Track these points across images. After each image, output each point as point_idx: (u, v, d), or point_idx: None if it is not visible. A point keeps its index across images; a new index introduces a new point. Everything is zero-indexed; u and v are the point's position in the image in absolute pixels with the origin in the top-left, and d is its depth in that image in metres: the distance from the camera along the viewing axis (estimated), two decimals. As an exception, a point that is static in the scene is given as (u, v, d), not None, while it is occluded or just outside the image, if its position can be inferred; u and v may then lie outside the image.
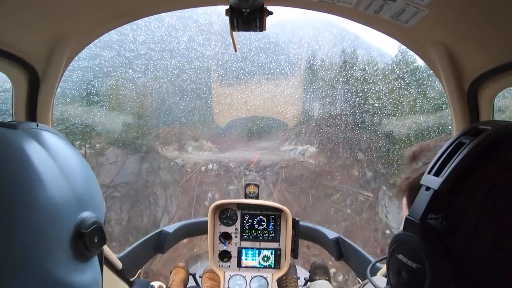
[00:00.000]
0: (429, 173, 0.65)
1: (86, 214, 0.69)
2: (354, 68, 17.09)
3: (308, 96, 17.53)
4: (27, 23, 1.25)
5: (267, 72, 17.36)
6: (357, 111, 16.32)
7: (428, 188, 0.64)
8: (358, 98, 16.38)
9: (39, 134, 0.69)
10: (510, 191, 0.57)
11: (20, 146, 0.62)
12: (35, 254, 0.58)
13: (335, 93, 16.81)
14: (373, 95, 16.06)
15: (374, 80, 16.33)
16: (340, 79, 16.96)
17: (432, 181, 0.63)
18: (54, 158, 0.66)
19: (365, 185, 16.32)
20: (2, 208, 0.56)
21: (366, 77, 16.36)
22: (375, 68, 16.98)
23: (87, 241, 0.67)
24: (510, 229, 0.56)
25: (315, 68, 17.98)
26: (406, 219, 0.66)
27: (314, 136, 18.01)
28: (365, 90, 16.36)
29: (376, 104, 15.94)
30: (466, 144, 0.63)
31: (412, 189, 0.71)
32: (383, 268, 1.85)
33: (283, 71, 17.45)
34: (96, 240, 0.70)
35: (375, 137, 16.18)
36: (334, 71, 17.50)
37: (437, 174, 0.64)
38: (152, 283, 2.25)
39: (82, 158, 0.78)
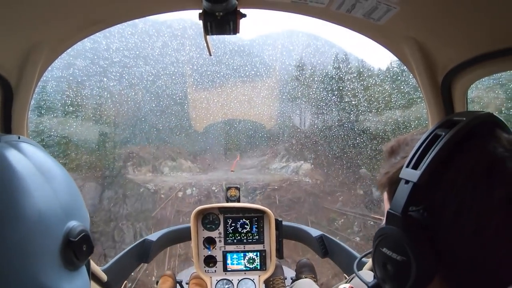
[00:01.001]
0: (407, 166, 0.67)
1: (73, 223, 0.69)
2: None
3: (288, 99, 17.01)
4: None
5: (242, 75, 16.79)
6: (351, 114, 15.40)
7: (407, 182, 0.65)
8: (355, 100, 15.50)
9: (21, 146, 0.69)
10: (487, 177, 0.59)
11: (5, 158, 0.62)
12: (24, 264, 0.58)
13: (320, 96, 16.19)
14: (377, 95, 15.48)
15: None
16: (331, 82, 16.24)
17: (411, 174, 0.65)
18: (39, 170, 0.67)
19: (373, 206, 14.06)
20: None
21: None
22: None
23: (76, 249, 0.67)
24: (490, 214, 0.58)
25: (298, 71, 17.37)
26: (388, 212, 0.68)
27: (307, 150, 16.57)
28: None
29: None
30: (442, 136, 0.64)
31: (392, 184, 0.73)
32: (369, 262, 1.87)
33: (258, 73, 16.96)
34: (84, 248, 0.70)
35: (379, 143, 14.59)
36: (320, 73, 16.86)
37: (415, 167, 0.65)
38: None
39: (64, 169, 0.78)
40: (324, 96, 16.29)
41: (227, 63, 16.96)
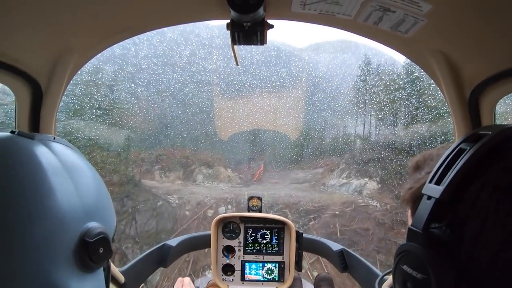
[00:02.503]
0: (430, 182, 0.66)
1: (92, 224, 0.70)
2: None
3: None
4: (30, 37, 1.27)
5: (275, 84, 15.58)
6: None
7: (429, 197, 0.64)
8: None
9: (53, 145, 0.72)
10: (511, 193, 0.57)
11: (35, 156, 0.65)
12: (38, 260, 0.59)
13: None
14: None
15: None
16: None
17: (433, 190, 0.64)
18: (66, 169, 0.69)
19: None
20: (12, 212, 0.57)
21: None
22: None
23: (91, 251, 0.68)
24: None
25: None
26: (409, 229, 0.67)
27: (372, 164, 14.03)
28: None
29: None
30: (467, 151, 0.63)
31: (415, 199, 0.72)
32: (389, 279, 1.83)
33: (287, 83, 16.23)
34: (101, 251, 0.70)
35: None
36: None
37: (438, 182, 0.64)
38: None
39: (95, 172, 0.80)
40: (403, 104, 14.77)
41: (254, 73, 16.53)
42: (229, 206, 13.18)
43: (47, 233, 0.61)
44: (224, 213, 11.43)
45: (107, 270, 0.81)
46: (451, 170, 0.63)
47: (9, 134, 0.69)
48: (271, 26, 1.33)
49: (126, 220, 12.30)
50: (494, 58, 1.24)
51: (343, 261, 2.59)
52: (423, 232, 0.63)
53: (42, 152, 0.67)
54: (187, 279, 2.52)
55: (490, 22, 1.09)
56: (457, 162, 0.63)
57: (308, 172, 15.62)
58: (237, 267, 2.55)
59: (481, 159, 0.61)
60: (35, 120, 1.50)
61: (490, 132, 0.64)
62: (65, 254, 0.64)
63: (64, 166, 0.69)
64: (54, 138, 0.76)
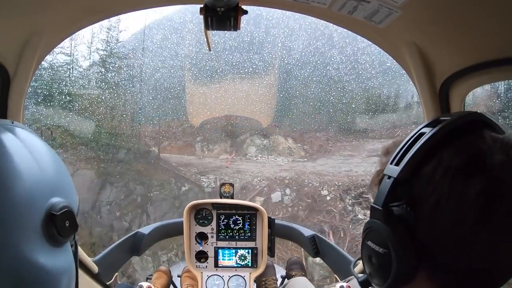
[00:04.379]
0: (391, 163, 0.69)
1: (57, 199, 0.72)
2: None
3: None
4: None
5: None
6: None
7: (389, 177, 0.68)
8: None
9: (14, 129, 0.75)
10: (465, 172, 0.60)
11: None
12: (7, 234, 0.61)
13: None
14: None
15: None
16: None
17: (392, 170, 0.68)
18: (29, 150, 0.71)
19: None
20: None
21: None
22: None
23: (58, 224, 0.69)
24: (466, 208, 0.59)
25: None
26: (371, 206, 0.71)
27: None
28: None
29: None
30: (425, 134, 0.67)
31: (381, 181, 0.74)
32: (360, 265, 1.88)
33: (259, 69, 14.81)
34: (67, 224, 0.72)
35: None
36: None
37: (397, 163, 0.68)
38: (141, 283, 2.21)
39: (53, 151, 0.83)
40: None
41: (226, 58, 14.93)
42: (287, 191, 10.03)
43: (15, 209, 0.62)
44: (279, 199, 10.10)
45: (75, 247, 0.83)
46: (410, 152, 0.66)
47: None
48: (245, 12, 1.31)
49: (133, 215, 9.38)
50: (465, 52, 1.27)
51: (315, 246, 2.64)
52: (382, 209, 0.67)
53: (3, 135, 0.69)
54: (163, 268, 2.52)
55: (463, 17, 1.11)
56: (416, 144, 0.66)
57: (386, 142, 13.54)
58: (211, 253, 2.56)
59: (437, 142, 0.65)
60: (3, 106, 1.44)
61: (449, 118, 0.67)
62: (33, 228, 0.66)
63: (27, 147, 0.71)
64: (13, 122, 0.78)
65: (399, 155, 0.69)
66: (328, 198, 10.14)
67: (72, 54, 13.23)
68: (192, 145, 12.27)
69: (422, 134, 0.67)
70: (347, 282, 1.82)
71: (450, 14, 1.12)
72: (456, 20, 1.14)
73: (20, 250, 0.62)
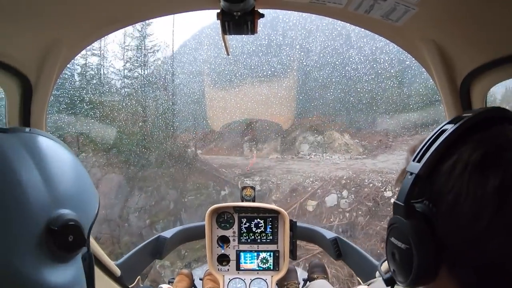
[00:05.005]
0: (413, 160, 0.70)
1: (63, 211, 0.69)
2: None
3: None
4: (18, 30, 1.25)
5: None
6: None
7: (411, 174, 0.68)
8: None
9: (26, 137, 0.73)
10: (482, 166, 0.60)
11: (3, 149, 0.65)
12: (4, 249, 0.60)
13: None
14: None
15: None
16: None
17: (414, 167, 0.68)
18: (34, 159, 0.69)
19: None
20: None
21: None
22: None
23: (58, 238, 0.67)
24: (484, 203, 0.58)
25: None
26: (394, 203, 0.71)
27: None
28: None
29: None
30: (447, 131, 0.67)
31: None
32: (383, 266, 1.86)
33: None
34: (70, 239, 0.69)
35: None
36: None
37: (419, 160, 0.68)
38: (161, 286, 2.25)
39: (75, 161, 0.80)
40: None
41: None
42: (344, 193, 8.70)
43: (7, 221, 0.61)
44: (334, 204, 8.67)
45: (89, 260, 0.79)
46: (431, 148, 0.67)
47: None
48: (262, 15, 1.32)
49: (164, 223, 8.52)
50: (486, 47, 1.25)
51: (337, 248, 2.63)
52: (404, 205, 0.68)
53: (9, 144, 0.67)
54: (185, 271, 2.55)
55: (481, 11, 1.09)
56: (437, 141, 0.67)
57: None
58: (232, 256, 2.57)
59: (457, 138, 0.65)
60: (26, 115, 1.49)
61: (471, 114, 0.67)
62: (29, 242, 0.63)
63: (32, 156, 0.69)
64: (30, 129, 0.76)
65: (421, 152, 0.69)
66: (392, 200, 9.41)
67: (102, 55, 13.60)
68: (240, 145, 11.57)
69: (443, 131, 0.67)
70: (368, 285, 1.80)
71: (467, 9, 1.11)
72: (474, 15, 1.12)
73: (13, 264, 0.60)
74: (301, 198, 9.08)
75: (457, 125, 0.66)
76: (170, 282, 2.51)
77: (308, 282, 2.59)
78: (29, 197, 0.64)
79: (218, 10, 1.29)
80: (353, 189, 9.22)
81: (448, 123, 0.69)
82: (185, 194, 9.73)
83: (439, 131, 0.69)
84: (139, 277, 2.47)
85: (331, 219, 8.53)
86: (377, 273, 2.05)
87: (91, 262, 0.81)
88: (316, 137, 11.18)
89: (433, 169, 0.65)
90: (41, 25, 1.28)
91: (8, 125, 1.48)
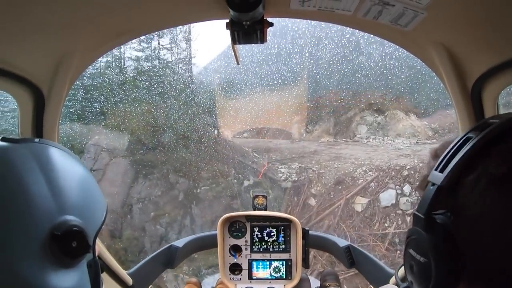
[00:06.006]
0: (436, 169, 0.67)
1: (68, 218, 0.71)
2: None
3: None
4: (30, 43, 1.28)
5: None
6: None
7: (433, 184, 0.66)
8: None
9: (35, 147, 0.76)
10: (508, 181, 0.58)
11: (10, 157, 0.69)
12: (7, 254, 0.62)
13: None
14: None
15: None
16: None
17: (437, 177, 0.66)
18: (41, 168, 0.72)
19: None
20: None
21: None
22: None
23: (61, 244, 0.68)
24: (510, 221, 0.57)
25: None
26: (414, 214, 0.69)
27: None
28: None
29: None
30: (472, 139, 0.64)
31: (425, 186, 0.73)
32: (400, 272, 1.84)
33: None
34: (74, 245, 0.70)
35: None
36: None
37: (442, 170, 0.66)
38: None
39: (82, 170, 0.83)
40: None
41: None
42: (406, 188, 7.00)
43: (11, 226, 0.63)
44: (391, 203, 7.14)
45: (95, 267, 0.80)
46: (454, 158, 0.64)
47: None
48: (271, 24, 1.33)
49: (171, 218, 7.14)
50: (496, 49, 1.24)
51: (350, 257, 2.60)
52: (424, 217, 0.65)
53: (19, 153, 0.70)
54: (193, 280, 2.54)
55: (490, 12, 1.09)
56: (461, 151, 0.64)
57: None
58: (245, 266, 2.55)
59: (483, 148, 0.62)
60: (38, 126, 1.52)
61: (498, 121, 0.64)
62: (33, 247, 0.65)
63: (39, 165, 0.71)
64: (39, 140, 0.80)
65: (444, 161, 0.67)
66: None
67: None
68: (290, 126, 10.06)
69: (468, 139, 0.65)
70: None
71: (475, 11, 1.10)
72: (482, 17, 1.12)
73: (15, 269, 0.62)
74: (347, 193, 7.56)
75: (482, 134, 0.63)
76: None
77: None
78: (34, 204, 0.66)
79: (228, 20, 1.31)
80: (418, 183, 8.04)
81: (473, 129, 0.67)
82: (198, 183, 8.31)
83: (463, 138, 0.66)
84: (151, 286, 2.47)
85: (386, 224, 7.14)
86: (391, 280, 2.02)
87: (97, 269, 0.82)
88: (376, 117, 9.71)
89: (457, 181, 0.63)
90: (53, 37, 1.31)
91: (21, 135, 1.52)
